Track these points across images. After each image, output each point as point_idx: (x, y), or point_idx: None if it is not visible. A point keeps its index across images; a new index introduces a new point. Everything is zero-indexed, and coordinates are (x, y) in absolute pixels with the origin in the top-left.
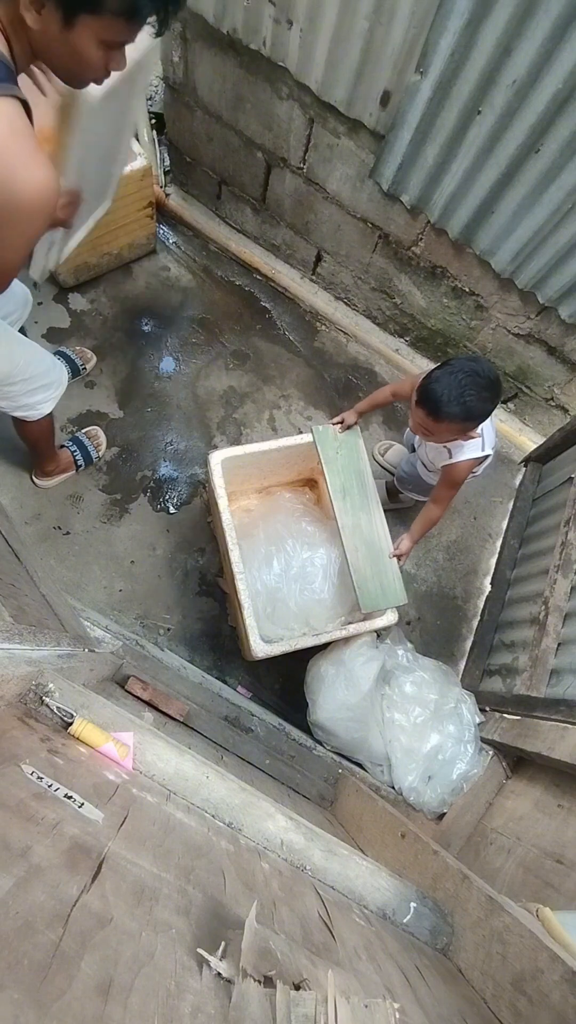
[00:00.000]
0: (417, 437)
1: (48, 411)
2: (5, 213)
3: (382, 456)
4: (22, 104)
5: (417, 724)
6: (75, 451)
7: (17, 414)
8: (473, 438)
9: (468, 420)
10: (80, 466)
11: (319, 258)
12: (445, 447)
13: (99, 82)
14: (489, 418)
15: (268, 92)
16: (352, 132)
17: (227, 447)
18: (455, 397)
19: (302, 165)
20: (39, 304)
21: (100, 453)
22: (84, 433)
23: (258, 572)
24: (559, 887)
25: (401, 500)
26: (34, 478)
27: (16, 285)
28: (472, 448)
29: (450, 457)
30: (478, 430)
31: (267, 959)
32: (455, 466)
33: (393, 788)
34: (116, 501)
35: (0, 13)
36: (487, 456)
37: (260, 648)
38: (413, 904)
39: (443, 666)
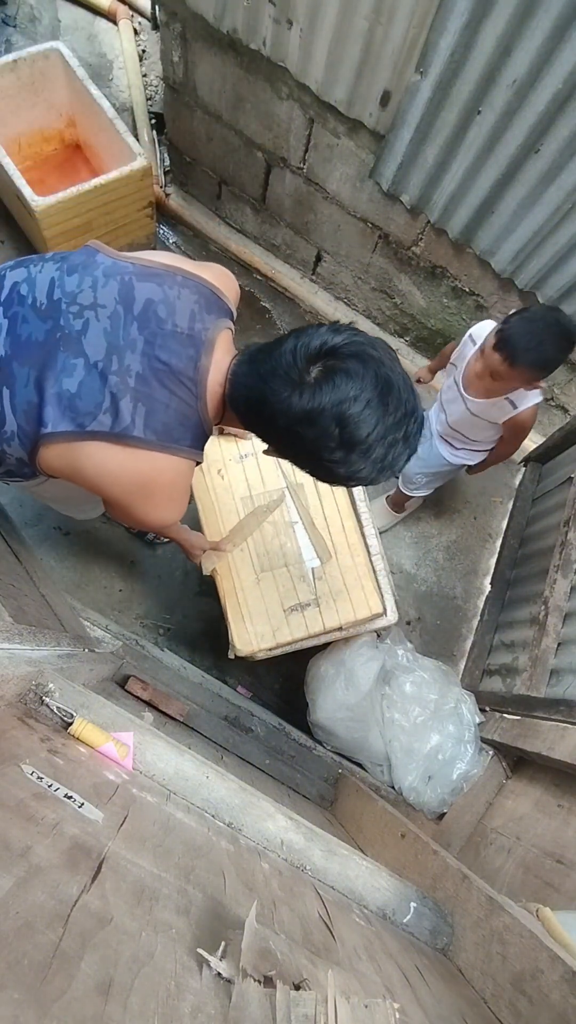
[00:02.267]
0: (445, 415)
1: (99, 512)
2: (118, 514)
3: None
4: (197, 466)
5: (417, 724)
6: None
7: None
8: (538, 387)
9: (542, 369)
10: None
11: (319, 258)
12: (508, 399)
13: None
14: None
15: (268, 92)
16: (352, 132)
17: None
18: (535, 345)
19: (302, 165)
20: None
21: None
22: None
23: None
24: (559, 887)
25: (408, 507)
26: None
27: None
28: (535, 395)
29: (515, 408)
30: (542, 381)
31: (267, 959)
32: (521, 415)
33: (393, 788)
34: None
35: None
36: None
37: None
38: (413, 904)
39: (443, 666)
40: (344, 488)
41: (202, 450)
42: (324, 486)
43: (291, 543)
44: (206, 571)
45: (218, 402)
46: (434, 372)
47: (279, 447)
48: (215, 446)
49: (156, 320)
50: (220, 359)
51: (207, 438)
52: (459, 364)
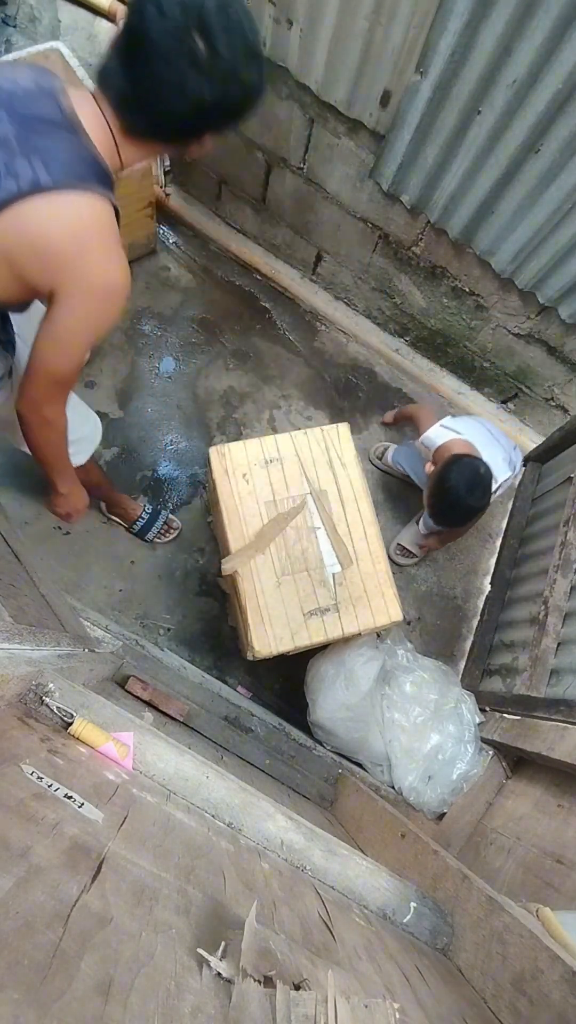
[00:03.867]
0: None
1: (84, 460)
2: (77, 302)
3: (380, 459)
4: (114, 210)
5: (417, 724)
6: (143, 518)
7: None
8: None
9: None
10: (134, 529)
11: (319, 258)
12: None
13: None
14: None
15: (268, 92)
16: (352, 132)
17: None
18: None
19: (302, 165)
20: None
21: (160, 541)
22: (168, 516)
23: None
24: (559, 887)
25: (413, 555)
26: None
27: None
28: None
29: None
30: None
31: (267, 959)
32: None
33: (393, 788)
34: None
35: (116, 130)
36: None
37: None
38: (413, 904)
39: (443, 666)
40: (367, 495)
41: (112, 192)
42: (347, 492)
43: (313, 548)
44: (227, 571)
45: (105, 141)
46: (396, 421)
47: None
48: (241, 451)
49: (6, 92)
50: (80, 97)
51: (111, 181)
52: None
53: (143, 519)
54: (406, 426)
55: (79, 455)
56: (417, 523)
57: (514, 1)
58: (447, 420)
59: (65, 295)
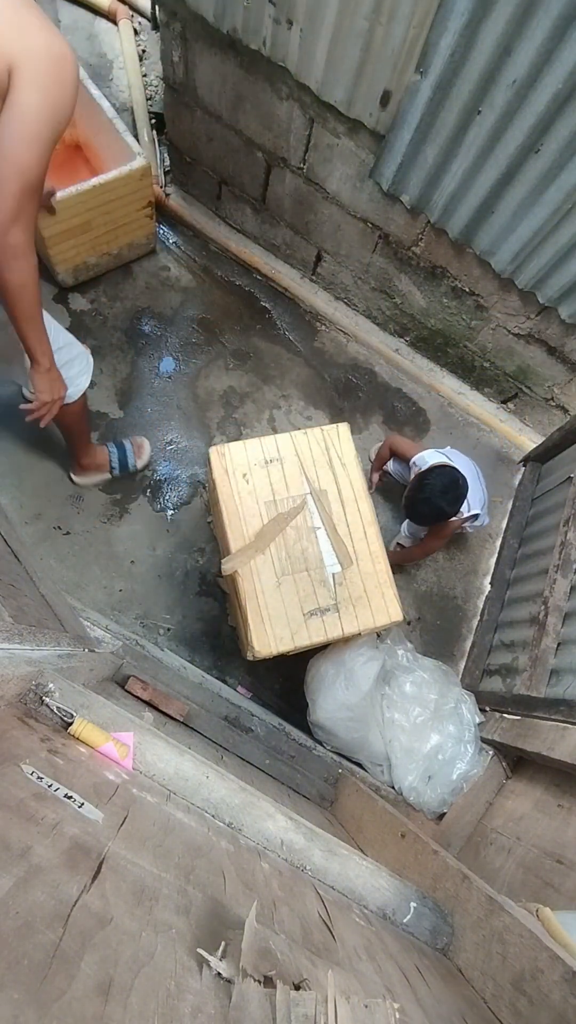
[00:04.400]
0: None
1: (86, 384)
2: (29, 76)
3: None
4: None
5: (417, 724)
6: (112, 452)
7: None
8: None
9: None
10: (115, 469)
11: (319, 258)
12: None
13: None
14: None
15: (268, 92)
16: (352, 132)
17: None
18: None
19: (302, 165)
20: None
21: (140, 464)
22: (130, 440)
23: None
24: (559, 887)
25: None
26: (71, 474)
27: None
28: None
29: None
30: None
31: (267, 959)
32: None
33: (393, 788)
34: (116, 501)
35: None
36: (476, 515)
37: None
38: (413, 904)
39: (443, 666)
40: (367, 496)
41: None
42: (347, 492)
43: (313, 548)
44: (227, 571)
45: None
46: (381, 464)
47: None
48: (241, 451)
49: None
50: None
51: None
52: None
53: (114, 454)
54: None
55: (82, 376)
56: (402, 530)
57: (514, 1)
58: (445, 449)
59: (17, 76)
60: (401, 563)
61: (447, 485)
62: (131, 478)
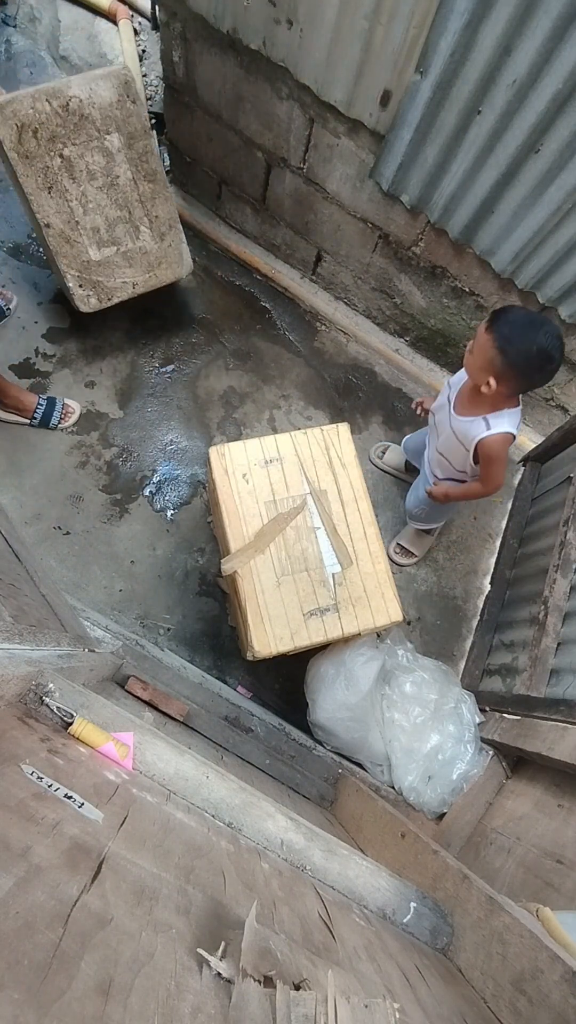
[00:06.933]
0: (437, 437)
1: None
2: None
3: (380, 459)
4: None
5: (417, 724)
6: (41, 404)
7: None
8: (514, 407)
9: (521, 369)
10: (35, 419)
11: (319, 258)
12: (484, 419)
13: None
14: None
15: (268, 92)
16: (352, 132)
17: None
18: (527, 337)
19: (302, 165)
20: (38, 304)
21: (63, 426)
22: (64, 401)
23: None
24: (559, 887)
25: (414, 555)
26: None
27: None
28: (508, 422)
29: (488, 429)
30: (518, 407)
31: (267, 959)
32: (490, 439)
33: (393, 788)
34: (116, 501)
35: None
36: (514, 437)
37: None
38: (413, 904)
39: (443, 666)
40: (367, 496)
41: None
42: (347, 493)
43: (313, 548)
44: (227, 571)
45: None
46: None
47: None
48: (241, 451)
49: None
50: None
51: None
52: (453, 386)
53: (41, 406)
54: (406, 425)
55: None
56: (418, 488)
57: (514, 1)
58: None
59: None
60: (459, 499)
61: (552, 332)
62: (51, 432)
